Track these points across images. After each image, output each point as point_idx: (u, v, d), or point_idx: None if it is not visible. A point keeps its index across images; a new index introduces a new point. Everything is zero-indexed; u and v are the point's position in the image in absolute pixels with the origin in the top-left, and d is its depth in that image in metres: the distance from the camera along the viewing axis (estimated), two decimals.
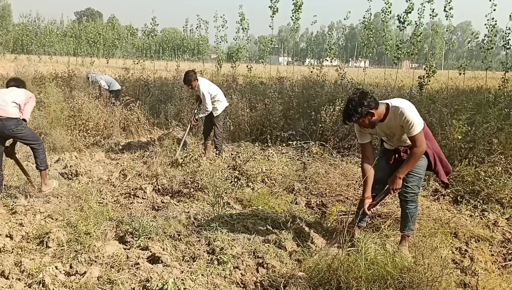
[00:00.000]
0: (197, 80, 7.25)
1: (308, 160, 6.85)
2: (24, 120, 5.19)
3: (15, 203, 4.98)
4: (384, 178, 3.92)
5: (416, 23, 12.15)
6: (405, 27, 12.58)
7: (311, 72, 13.34)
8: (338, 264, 3.17)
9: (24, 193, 5.28)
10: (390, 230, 4.18)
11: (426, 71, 11.36)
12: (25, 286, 3.26)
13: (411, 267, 2.94)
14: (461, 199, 5.59)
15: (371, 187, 3.93)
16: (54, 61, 25.61)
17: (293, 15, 15.28)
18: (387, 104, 3.69)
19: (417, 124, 3.58)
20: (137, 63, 18.51)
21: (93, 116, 8.52)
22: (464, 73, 11.91)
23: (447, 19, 12.04)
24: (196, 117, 7.48)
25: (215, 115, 7.32)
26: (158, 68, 22.38)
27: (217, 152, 7.32)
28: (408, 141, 3.75)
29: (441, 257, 3.02)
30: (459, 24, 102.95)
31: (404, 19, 12.20)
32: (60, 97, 9.59)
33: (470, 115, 7.24)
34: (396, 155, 3.93)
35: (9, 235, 4.12)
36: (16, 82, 5.63)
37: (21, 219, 4.49)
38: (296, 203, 5.40)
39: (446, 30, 14.61)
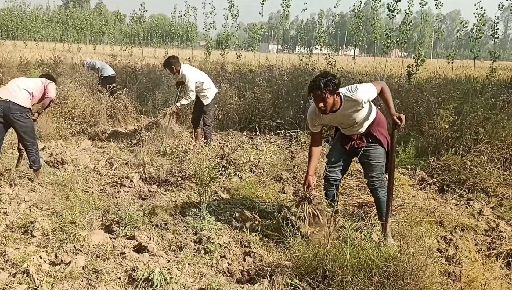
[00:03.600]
0: (180, 66, 7.15)
1: (296, 149, 6.85)
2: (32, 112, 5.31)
3: (0, 191, 4.91)
4: (340, 161, 4.10)
5: (406, 12, 12.15)
6: (395, 16, 12.57)
7: (301, 60, 13.29)
8: (324, 253, 3.18)
9: (8, 181, 5.21)
10: (376, 219, 4.20)
11: (415, 60, 11.38)
12: (9, 276, 3.22)
13: (396, 256, 2.96)
14: (447, 188, 5.65)
15: (329, 171, 4.07)
16: (40, 47, 25.21)
17: (283, 2, 15.19)
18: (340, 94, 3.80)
19: (370, 89, 3.78)
20: (125, 50, 18.32)
21: (79, 104, 8.41)
22: (452, 62, 11.95)
23: (436, 8, 12.06)
24: (177, 104, 7.28)
25: (205, 103, 7.25)
26: (146, 55, 22.15)
27: (206, 141, 7.27)
28: (362, 128, 3.94)
29: (426, 246, 3.04)
30: (448, 13, 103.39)
31: (394, 7, 12.18)
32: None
33: (458, 105, 7.28)
34: (352, 143, 4.02)
35: None
36: (48, 77, 5.79)
37: (5, 208, 4.43)
38: (283, 193, 5.40)
39: (436, 19, 14.66)
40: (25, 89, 5.20)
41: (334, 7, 16.19)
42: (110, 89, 9.22)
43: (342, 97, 3.77)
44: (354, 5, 14.37)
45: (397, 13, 12.43)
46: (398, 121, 3.68)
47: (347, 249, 3.09)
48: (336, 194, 4.07)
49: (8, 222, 4.14)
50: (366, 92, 3.74)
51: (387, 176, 3.98)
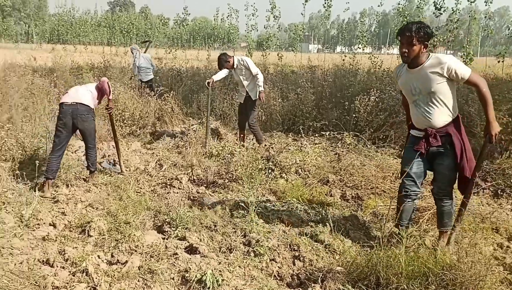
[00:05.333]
0: (232, 57, 7.23)
1: (342, 151, 6.78)
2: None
3: (57, 192, 5.15)
4: (417, 171, 3.76)
5: (452, 9, 11.75)
6: (441, 14, 12.19)
7: (343, 60, 13.14)
8: (377, 259, 3.14)
9: (65, 182, 5.45)
10: (429, 224, 4.10)
11: (463, 58, 10.99)
12: (69, 274, 3.37)
13: (454, 264, 2.88)
14: (501, 193, 5.44)
15: (408, 184, 3.77)
16: (89, 51, 26.12)
17: (325, 2, 15.06)
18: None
19: (464, 67, 3.47)
20: (169, 53, 18.67)
21: (129, 106, 8.67)
22: (503, 61, 11.45)
23: (486, 5, 11.60)
24: (260, 90, 7.23)
25: (255, 97, 7.30)
26: (190, 57, 22.52)
27: (258, 142, 7.29)
28: (435, 113, 3.60)
29: (484, 254, 2.95)
30: (496, 10, 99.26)
31: (441, 5, 11.81)
32: None
33: (511, 106, 7.00)
34: (425, 143, 3.70)
35: (52, 224, 4.28)
36: None
37: (63, 208, 4.65)
38: (331, 195, 5.37)
39: (484, 16, 14.11)
40: (87, 90, 5.48)
41: (378, 6, 15.84)
42: (157, 92, 9.45)
43: (430, 55, 3.56)
44: (398, 3, 14.05)
45: (444, 11, 12.05)
46: (493, 133, 3.46)
47: (402, 256, 3.04)
48: (414, 209, 3.92)
49: (67, 222, 4.34)
50: (456, 62, 3.44)
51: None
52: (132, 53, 11.01)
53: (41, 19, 57.15)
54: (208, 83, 7.41)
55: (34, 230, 4.14)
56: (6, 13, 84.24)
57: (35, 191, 5.10)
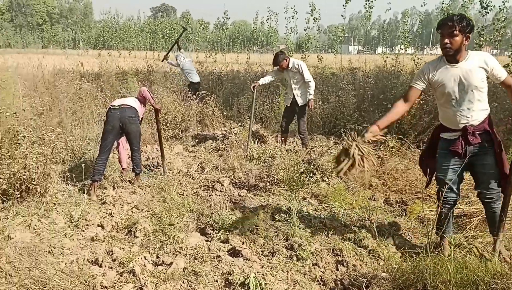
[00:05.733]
0: (288, 58, 7.22)
1: (385, 154, 6.66)
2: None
3: (104, 193, 5.33)
4: (454, 176, 3.60)
5: (499, 8, 11.30)
6: (488, 12, 11.75)
7: (385, 61, 12.90)
8: (424, 266, 3.06)
9: (112, 184, 5.62)
10: (477, 231, 3.96)
11: (511, 58, 10.53)
12: (116, 274, 3.48)
13: (505, 272, 2.77)
14: None
15: (446, 193, 3.60)
16: (132, 56, 26.88)
17: (366, 3, 14.86)
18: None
19: (501, 67, 3.40)
20: (209, 56, 18.92)
21: (172, 110, 8.84)
22: None
23: None
24: (310, 97, 7.24)
25: (302, 103, 7.30)
26: (229, 61, 22.75)
27: (304, 148, 7.28)
28: (476, 109, 3.46)
29: None
30: None
31: (487, 3, 11.39)
32: None
33: None
34: (463, 143, 3.51)
35: (100, 225, 4.42)
36: None
37: (110, 209, 4.80)
38: (374, 200, 5.29)
39: None
40: (132, 98, 5.68)
41: (421, 5, 15.47)
42: (199, 95, 9.59)
43: (468, 52, 3.45)
44: (442, 3, 13.66)
45: (490, 9, 11.61)
46: None
47: (450, 263, 2.95)
48: (453, 216, 3.82)
49: (114, 223, 4.48)
50: (496, 61, 3.40)
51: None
52: (176, 60, 11.20)
53: (87, 25, 59.48)
54: (254, 86, 7.46)
55: (83, 231, 4.30)
56: (54, 20, 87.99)
57: (83, 192, 5.30)
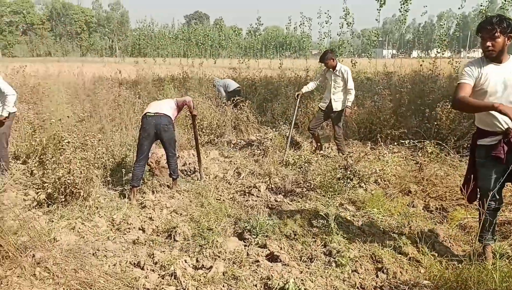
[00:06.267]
0: (334, 59, 7.17)
1: (423, 160, 6.53)
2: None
3: (144, 197, 5.45)
4: (497, 185, 3.46)
5: None
6: None
7: (420, 65, 12.66)
8: (467, 274, 2.99)
9: (151, 189, 5.75)
10: None
11: None
12: (158, 277, 3.55)
13: None
14: None
15: (490, 201, 3.43)
16: (167, 63, 27.34)
17: (401, 7, 14.65)
18: None
19: None
20: (242, 62, 19.06)
21: (207, 116, 8.96)
22: None
23: None
24: (349, 105, 7.22)
25: (337, 109, 7.26)
26: (262, 66, 22.83)
27: (340, 153, 7.23)
28: None
29: None
30: None
31: None
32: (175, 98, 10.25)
33: None
34: (505, 147, 3.38)
35: (141, 228, 4.53)
36: None
37: (150, 213, 4.91)
38: (413, 206, 5.19)
39: None
40: (166, 104, 5.77)
41: (459, 8, 15.10)
42: (233, 101, 9.69)
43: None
44: (480, 5, 13.31)
45: None
46: None
47: (495, 272, 2.87)
48: (496, 223, 3.73)
49: (154, 226, 4.58)
50: None
51: None
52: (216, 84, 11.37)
53: (123, 34, 61.14)
54: (298, 95, 7.49)
55: (125, 234, 4.41)
56: (92, 29, 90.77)
57: (124, 197, 5.44)
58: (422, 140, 7.18)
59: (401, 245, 4.06)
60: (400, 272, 3.67)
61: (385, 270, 3.67)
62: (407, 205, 5.23)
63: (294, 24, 27.53)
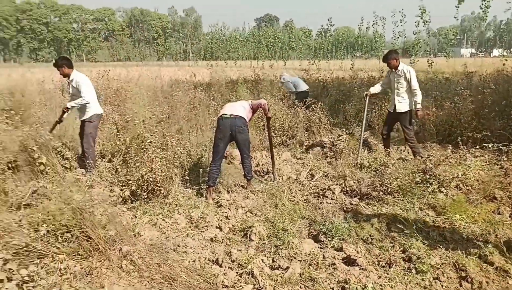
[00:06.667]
0: (397, 60, 6.97)
1: (510, 165, 6.12)
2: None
3: (219, 197, 5.60)
4: None
5: None
6: None
7: (503, 64, 11.87)
8: None
9: (226, 188, 5.89)
10: None
11: None
12: (236, 275, 3.64)
13: None
14: None
15: None
16: (238, 66, 27.91)
17: (482, 3, 13.87)
18: None
19: None
20: (312, 64, 18.94)
21: (279, 117, 9.02)
22: None
23: None
24: (418, 107, 6.92)
25: (402, 110, 7.04)
26: (333, 68, 22.58)
27: (415, 155, 6.98)
28: None
29: None
30: None
31: None
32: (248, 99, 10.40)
33: None
34: None
35: (218, 227, 4.66)
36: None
37: (226, 212, 5.04)
38: (499, 213, 4.89)
39: None
40: (241, 106, 5.88)
41: None
42: (305, 103, 9.67)
43: None
44: None
45: None
46: None
47: None
48: None
49: (230, 225, 4.69)
50: None
51: None
52: (284, 80, 11.45)
53: (196, 38, 63.22)
54: (366, 94, 7.36)
55: (203, 231, 4.56)
56: (167, 34, 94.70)
57: (201, 195, 5.62)
58: (508, 144, 6.73)
59: (487, 254, 3.84)
60: (486, 282, 3.49)
61: (469, 279, 3.50)
62: (492, 212, 4.93)
63: (366, 24, 26.87)
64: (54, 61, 6.56)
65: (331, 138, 8.62)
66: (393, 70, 7.03)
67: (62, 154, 6.07)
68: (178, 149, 5.99)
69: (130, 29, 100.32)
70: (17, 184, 5.28)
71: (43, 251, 3.58)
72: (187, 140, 7.20)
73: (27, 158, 6.19)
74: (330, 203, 5.39)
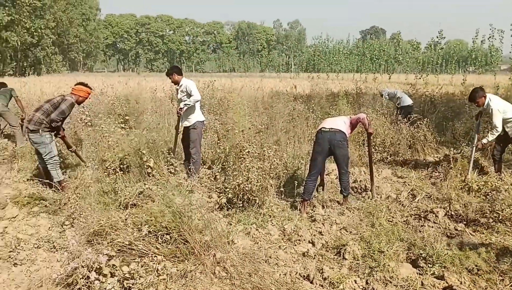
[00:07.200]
0: (485, 96, 6.58)
1: None
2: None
3: (313, 211, 5.52)
4: None
5: None
6: None
7: None
8: None
9: (321, 203, 5.79)
10: None
11: None
12: None
13: None
14: None
15: None
16: (340, 78, 27.55)
17: None
18: None
19: None
20: (419, 78, 18.07)
21: (380, 133, 8.70)
22: None
23: None
24: (485, 141, 6.67)
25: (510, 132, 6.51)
26: (442, 82, 21.32)
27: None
28: None
29: None
30: None
31: None
32: (348, 114, 10.18)
33: None
34: None
35: (311, 242, 4.59)
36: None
37: (320, 228, 4.95)
38: None
39: None
40: (342, 121, 5.78)
41: None
42: (409, 119, 9.22)
43: None
44: None
45: None
46: None
47: None
48: None
49: (324, 241, 4.59)
50: None
51: None
52: (384, 95, 11.14)
53: (299, 50, 63.88)
54: (480, 113, 6.92)
55: (295, 245, 4.52)
56: (271, 46, 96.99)
57: (295, 208, 5.59)
58: None
59: None
60: None
61: None
62: None
63: (482, 37, 25.00)
64: (166, 71, 7.01)
65: (437, 157, 8.12)
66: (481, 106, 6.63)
67: (168, 158, 6.42)
68: (274, 160, 6.02)
69: (237, 41, 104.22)
70: (126, 185, 5.67)
71: (144, 250, 3.80)
72: (284, 152, 7.22)
73: (137, 161, 6.67)
74: (432, 227, 5.04)
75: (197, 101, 6.69)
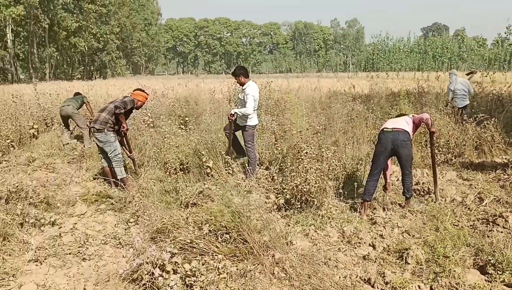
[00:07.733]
0: None
1: None
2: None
3: (374, 213, 5.40)
4: None
5: None
6: None
7: None
8: None
9: (382, 205, 5.66)
10: None
11: None
12: None
13: None
14: None
15: None
16: (400, 77, 26.73)
17: None
18: None
19: None
20: (486, 76, 17.16)
21: (444, 133, 8.36)
22: None
23: None
24: None
25: None
26: (511, 80, 20.11)
27: None
28: None
29: None
30: None
31: None
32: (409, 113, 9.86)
33: None
34: None
35: (372, 245, 4.49)
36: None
37: (381, 231, 4.83)
38: None
39: None
40: (404, 120, 5.61)
41: None
42: (476, 118, 8.79)
43: None
44: None
45: None
46: None
47: None
48: None
49: (385, 245, 4.47)
50: None
51: None
52: (450, 78, 10.69)
53: (357, 49, 62.77)
54: None
55: (355, 248, 4.45)
56: (328, 46, 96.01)
57: (354, 210, 5.50)
58: None
59: None
60: None
61: None
62: None
63: None
64: (233, 70, 7.05)
65: (505, 158, 7.69)
66: None
67: (226, 159, 6.53)
68: (333, 162, 5.96)
69: (293, 42, 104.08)
70: (187, 184, 5.83)
71: (205, 249, 3.89)
72: (342, 153, 7.13)
73: (197, 161, 6.84)
74: (502, 232, 4.77)
75: (248, 114, 6.66)
